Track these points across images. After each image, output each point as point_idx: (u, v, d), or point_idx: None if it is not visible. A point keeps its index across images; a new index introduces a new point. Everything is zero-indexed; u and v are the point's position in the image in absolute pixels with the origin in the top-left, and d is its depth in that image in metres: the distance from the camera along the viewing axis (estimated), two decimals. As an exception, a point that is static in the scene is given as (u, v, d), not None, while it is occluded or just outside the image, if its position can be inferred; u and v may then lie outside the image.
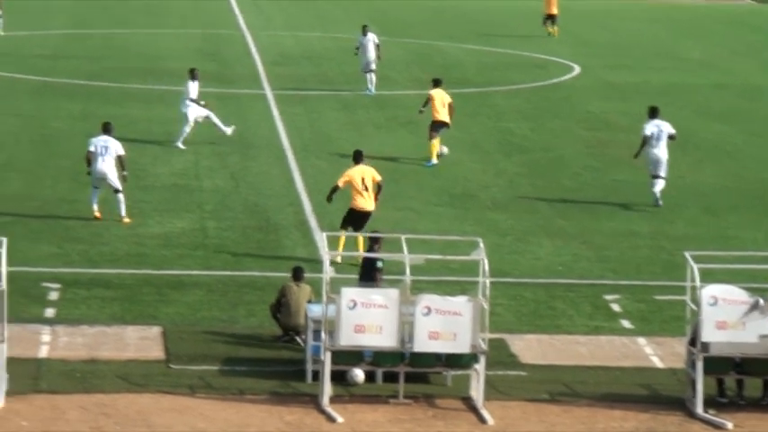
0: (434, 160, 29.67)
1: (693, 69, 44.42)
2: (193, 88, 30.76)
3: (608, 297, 21.01)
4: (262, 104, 36.34)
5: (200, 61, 43.20)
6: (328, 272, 17.12)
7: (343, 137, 32.45)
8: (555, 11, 52.24)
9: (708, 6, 66.83)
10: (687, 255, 17.25)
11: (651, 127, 26.71)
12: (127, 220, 24.11)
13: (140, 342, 18.36)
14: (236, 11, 56.79)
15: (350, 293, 16.86)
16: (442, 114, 29.69)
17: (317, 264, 21.34)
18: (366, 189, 22.34)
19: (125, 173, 24.29)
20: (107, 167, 24.06)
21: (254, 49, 46.17)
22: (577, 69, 44.01)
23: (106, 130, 24.60)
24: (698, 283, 16.88)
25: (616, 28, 55.60)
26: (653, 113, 27.01)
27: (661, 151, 26.60)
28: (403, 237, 18.39)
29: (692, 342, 16.98)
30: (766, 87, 41.73)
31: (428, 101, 29.98)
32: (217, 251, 22.80)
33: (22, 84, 37.81)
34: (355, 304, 16.80)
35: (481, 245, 17.48)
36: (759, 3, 68.04)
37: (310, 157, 30.01)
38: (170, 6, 57.64)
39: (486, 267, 17.09)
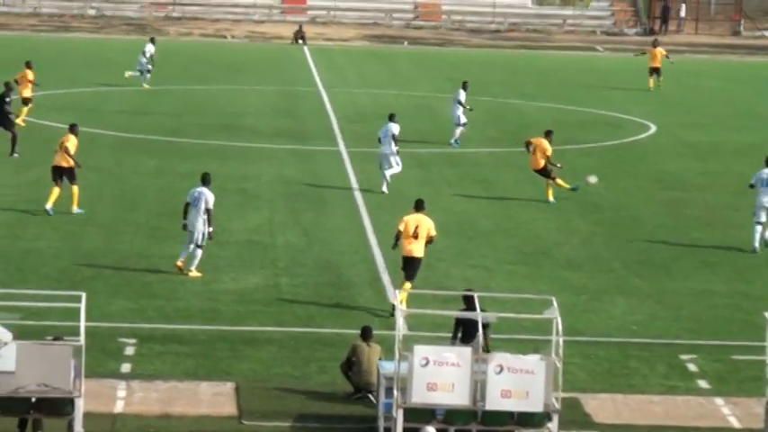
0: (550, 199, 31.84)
1: (771, 128, 44.06)
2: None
3: (684, 357, 20.77)
4: (336, 161, 36.54)
5: (276, 118, 43.69)
6: (401, 329, 17.11)
7: (417, 193, 32.39)
8: (658, 64, 53.11)
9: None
10: (767, 315, 17.03)
11: (763, 174, 27.55)
12: (195, 273, 24.21)
13: (213, 398, 18.41)
14: (313, 68, 57.27)
15: (423, 351, 16.81)
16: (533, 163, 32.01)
17: (386, 319, 21.40)
18: (416, 237, 22.49)
19: (210, 229, 24.28)
20: (196, 219, 24.20)
21: (329, 106, 46.51)
22: (653, 128, 43.81)
23: (204, 181, 24.70)
24: (776, 343, 16.65)
25: (694, 86, 55.33)
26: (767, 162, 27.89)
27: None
28: (476, 295, 18.36)
29: (771, 404, 16.73)
30: None
31: (530, 145, 32.31)
32: (289, 307, 22.86)
33: (103, 139, 38.32)
34: (428, 362, 16.75)
35: (554, 303, 17.39)
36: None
37: (384, 213, 30.06)
38: (249, 64, 58.28)
39: (560, 326, 16.98)
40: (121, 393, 18.42)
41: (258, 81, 52.74)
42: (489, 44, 70.94)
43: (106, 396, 18.17)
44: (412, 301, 22.37)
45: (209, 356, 20.13)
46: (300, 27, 69.12)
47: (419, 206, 23.07)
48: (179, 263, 24.37)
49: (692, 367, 20.37)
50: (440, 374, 16.73)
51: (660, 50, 54.16)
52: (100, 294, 22.44)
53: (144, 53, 49.90)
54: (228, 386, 18.82)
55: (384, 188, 32.32)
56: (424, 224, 22.63)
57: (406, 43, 70.03)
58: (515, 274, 25.46)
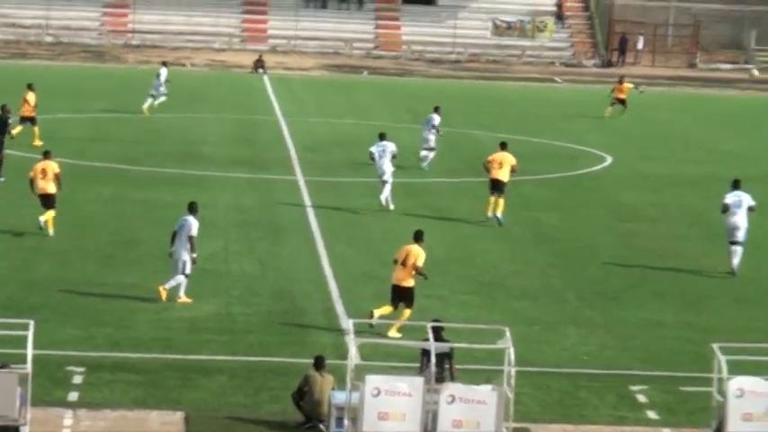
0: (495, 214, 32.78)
1: (726, 161, 44.38)
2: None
3: (634, 387, 20.87)
4: (293, 190, 36.56)
5: (234, 146, 43.66)
6: (353, 359, 17.11)
7: (372, 223, 32.57)
8: (623, 95, 54.86)
9: (742, 98, 66.97)
10: (715, 346, 17.17)
11: (732, 197, 28.58)
12: (184, 300, 24.34)
13: (162, 427, 18.33)
14: (273, 97, 57.33)
15: (374, 381, 16.83)
16: (497, 173, 32.96)
17: (339, 348, 21.39)
18: (404, 266, 23.07)
19: (194, 255, 24.48)
20: (180, 247, 24.41)
21: (287, 135, 46.56)
22: (609, 159, 44.09)
23: (190, 209, 24.95)
24: (725, 374, 16.78)
25: (650, 118, 55.73)
26: (735, 185, 28.92)
27: (740, 219, 28.43)
28: (429, 325, 18.40)
29: (717, 435, 16.84)
30: (799, 179, 41.66)
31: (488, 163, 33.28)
32: (242, 336, 22.82)
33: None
34: (379, 392, 16.78)
35: (507, 333, 17.47)
36: (793, 95, 68.18)
37: (339, 243, 30.10)
38: (208, 92, 58.26)
39: (512, 356, 17.04)
40: (68, 422, 18.30)
41: (217, 109, 52.74)
42: (449, 74, 71.26)
43: (52, 424, 18.05)
44: (364, 330, 22.38)
45: (160, 385, 20.05)
46: (260, 56, 69.20)
47: (417, 237, 23.58)
48: (162, 292, 24.36)
49: (641, 398, 20.47)
50: (391, 404, 16.77)
51: (628, 86, 55.59)
52: (49, 322, 22.30)
53: (158, 77, 50.25)
54: (178, 415, 18.75)
55: (388, 204, 33.92)
56: (412, 254, 23.13)
57: (365, 73, 70.24)
58: (469, 304, 25.53)
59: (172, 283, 24.48)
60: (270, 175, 38.57)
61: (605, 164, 43.40)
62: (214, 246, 29.25)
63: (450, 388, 16.94)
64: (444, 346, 18.72)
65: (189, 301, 24.41)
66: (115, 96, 51.46)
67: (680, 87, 69.97)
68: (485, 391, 16.91)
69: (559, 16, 79.42)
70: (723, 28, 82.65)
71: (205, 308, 24.30)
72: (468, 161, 42.31)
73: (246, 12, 78.93)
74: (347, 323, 21.91)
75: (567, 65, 77.55)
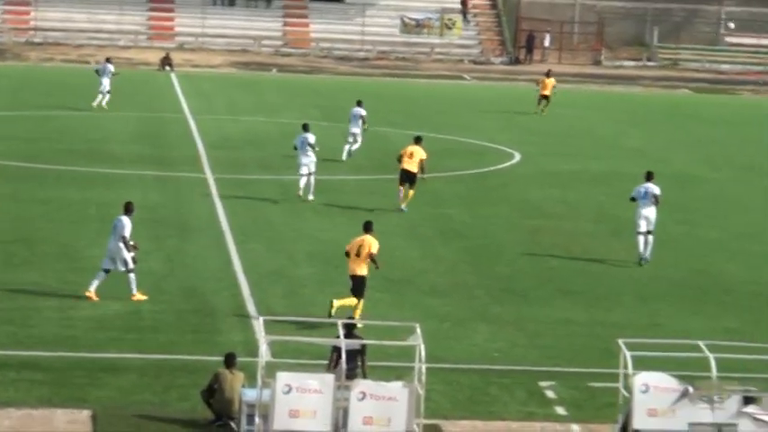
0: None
1: (631, 158, 44.89)
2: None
3: (543, 383, 21.04)
4: (202, 188, 36.33)
5: (141, 144, 43.27)
6: (264, 356, 17.07)
7: (282, 221, 32.48)
8: (548, 92, 55.65)
9: (646, 95, 67.83)
10: (621, 342, 17.36)
11: (641, 189, 29.80)
12: (139, 297, 24.31)
13: (69, 426, 18.13)
14: (180, 95, 56.92)
15: (285, 378, 16.81)
16: (406, 164, 33.90)
17: (249, 346, 21.30)
18: (358, 256, 23.88)
19: (132, 254, 24.51)
20: (113, 246, 24.45)
21: (195, 133, 46.25)
22: (518, 156, 44.42)
23: (125, 209, 25.00)
24: (631, 370, 16.98)
25: (557, 115, 56.23)
26: (648, 177, 30.06)
27: (648, 210, 29.52)
28: (339, 322, 18.40)
29: (624, 429, 17.03)
30: (700, 177, 42.31)
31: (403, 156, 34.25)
32: (151, 334, 22.64)
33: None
34: (290, 389, 16.76)
35: (418, 330, 17.53)
36: (695, 92, 69.17)
37: (249, 240, 29.97)
38: (113, 90, 57.57)
39: (423, 353, 17.10)
40: (-28, 421, 18.07)
41: (123, 107, 52.21)
42: (358, 72, 71.29)
43: (-43, 425, 17.81)
44: (275, 327, 22.29)
45: (65, 383, 19.83)
46: (167, 54, 68.67)
47: (367, 227, 24.40)
48: (89, 293, 24.25)
49: (550, 394, 20.65)
50: (302, 401, 16.76)
51: (552, 81, 56.33)
52: (-49, 322, 21.98)
53: (104, 73, 50.65)
54: (84, 413, 18.55)
55: (307, 195, 34.69)
56: (366, 244, 23.92)
57: (274, 70, 70.03)
58: (380, 301, 25.55)
59: (95, 283, 24.41)
60: (178, 173, 38.29)
61: (513, 161, 43.71)
62: (122, 244, 28.94)
63: (361, 385, 16.97)
64: (356, 343, 18.74)
65: (144, 297, 24.39)
66: (17, 94, 50.68)
67: (586, 85, 70.68)
68: (395, 387, 16.97)
69: (464, 13, 79.80)
70: (627, 25, 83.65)
71: (112, 306, 24.07)
72: (377, 159, 42.36)
73: (152, 9, 78.28)
74: (258, 321, 21.83)
75: (475, 62, 77.97)
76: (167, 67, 66.61)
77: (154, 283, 25.85)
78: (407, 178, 34.02)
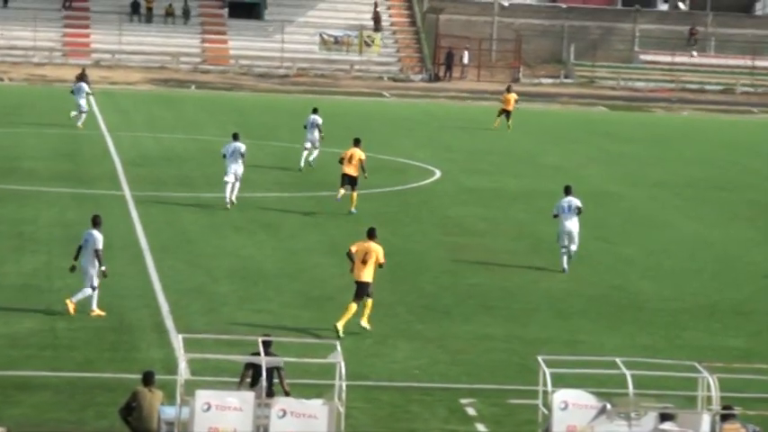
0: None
1: (549, 175, 45.24)
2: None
3: (463, 401, 21.07)
4: (120, 205, 36.01)
5: (56, 161, 42.82)
6: (183, 374, 16.93)
7: (202, 238, 32.29)
8: (510, 107, 57.57)
9: (564, 112, 68.44)
10: (540, 359, 17.44)
11: (563, 203, 30.55)
12: (98, 312, 24.33)
13: (-16, 446, 17.84)
14: (97, 112, 56.41)
15: (205, 396, 16.68)
16: (347, 168, 35.83)
17: (168, 364, 21.12)
18: (364, 263, 24.61)
19: (103, 268, 24.57)
20: (85, 261, 24.52)
21: (113, 150, 45.87)
22: (438, 173, 44.57)
23: (93, 223, 25.02)
24: (549, 387, 17.05)
25: (476, 132, 56.56)
26: (567, 191, 30.87)
27: (571, 223, 30.32)
28: (260, 339, 18.30)
29: (544, 445, 17.10)
30: (616, 194, 42.74)
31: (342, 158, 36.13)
32: (67, 352, 22.37)
33: None
34: (210, 407, 16.63)
35: (338, 348, 17.48)
36: (610, 109, 69.93)
37: (168, 257, 29.75)
38: (28, 107, 57.06)
39: (343, 370, 17.06)
40: None
41: (38, 124, 51.66)
42: (278, 89, 71.20)
43: None
44: (195, 345, 22.11)
45: (-21, 403, 19.54)
46: (83, 70, 67.95)
47: (371, 234, 25.10)
48: (70, 307, 24.31)
49: (470, 411, 20.68)
50: (222, 419, 16.63)
51: (513, 96, 58.16)
52: None
53: (80, 92, 51.16)
54: (0, 433, 18.29)
55: (230, 199, 35.78)
56: (372, 252, 24.70)
57: (193, 87, 69.71)
58: (300, 318, 25.48)
59: (79, 296, 24.56)
60: (95, 190, 37.94)
61: (434, 178, 43.86)
62: (36, 261, 28.66)
63: (282, 402, 16.87)
64: (276, 361, 18.64)
65: (102, 313, 24.41)
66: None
67: (505, 103, 71.04)
68: (316, 405, 16.89)
69: (376, 29, 79.91)
70: (544, 42, 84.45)
71: (26, 323, 23.77)
72: (297, 176, 42.31)
73: (67, 25, 77.62)
74: (177, 338, 21.66)
75: (395, 79, 78.23)
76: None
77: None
78: (349, 181, 35.94)
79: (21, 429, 18.35)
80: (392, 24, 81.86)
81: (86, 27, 77.77)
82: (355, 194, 35.84)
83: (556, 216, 30.60)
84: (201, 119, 56.70)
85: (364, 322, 24.54)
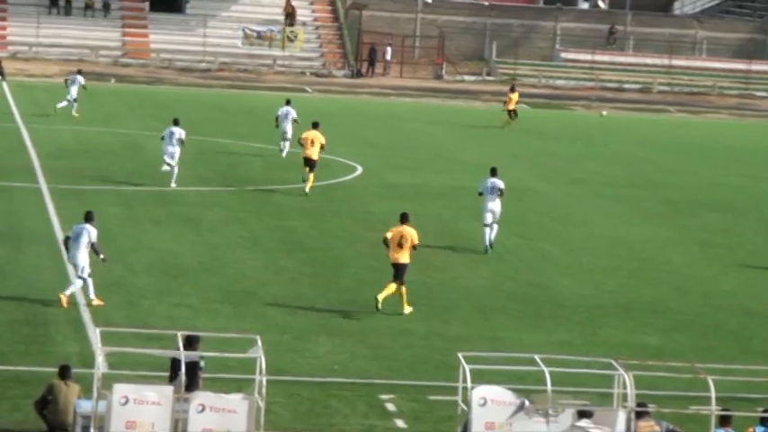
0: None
1: (470, 171, 45.26)
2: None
3: (383, 396, 21.03)
4: (35, 198, 35.53)
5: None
6: (100, 367, 16.74)
7: (121, 232, 31.96)
8: (514, 106, 59.35)
9: (486, 110, 68.69)
10: (460, 355, 17.44)
11: (487, 183, 32.28)
12: (98, 302, 24.48)
13: None
14: (12, 104, 55.68)
15: (122, 389, 16.51)
16: (308, 150, 37.54)
17: (86, 357, 20.87)
18: (400, 246, 25.93)
19: (102, 256, 25.07)
20: (77, 254, 24.56)
21: (29, 143, 45.26)
22: (360, 169, 44.52)
23: (87, 218, 25.13)
24: (469, 383, 17.06)
25: (399, 128, 56.58)
26: (492, 173, 32.65)
27: (493, 203, 32.03)
28: (179, 333, 18.13)
29: (464, 441, 17.10)
30: (536, 190, 42.96)
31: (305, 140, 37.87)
32: (-19, 346, 22.03)
33: None
34: (127, 400, 16.46)
35: (259, 342, 17.36)
36: (531, 107, 70.29)
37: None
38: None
39: (263, 365, 16.94)
40: None
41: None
42: (199, 83, 70.75)
43: None
44: (113, 338, 21.87)
45: None
46: None
47: (403, 219, 26.45)
48: (63, 300, 24.33)
49: (390, 407, 20.64)
50: (139, 413, 16.47)
51: (515, 95, 59.99)
52: None
53: (72, 83, 52.72)
54: None
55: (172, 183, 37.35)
56: (407, 234, 26.03)
57: (113, 80, 69.03)
58: (220, 312, 25.31)
59: (71, 289, 24.63)
60: (10, 183, 37.40)
61: (356, 173, 43.79)
62: (-50, 254, 28.21)
63: (201, 397, 16.74)
64: (195, 355, 18.46)
65: (101, 303, 24.52)
66: None
67: (426, 99, 71.30)
68: (235, 399, 16.78)
69: (290, 24, 79.59)
70: (467, 40, 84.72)
71: (-63, 317, 23.38)
72: (218, 170, 42.06)
73: (-17, 17, 76.58)
74: (94, 332, 21.42)
75: (317, 75, 78.05)
76: (-1, 76, 65.14)
77: (-15, 294, 25.19)
78: (308, 163, 37.60)
79: (-69, 424, 18.05)
80: (315, 20, 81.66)
81: (3, 19, 76.70)
82: (312, 177, 37.43)
83: (481, 194, 32.41)
84: (121, 113, 56.16)
85: (407, 308, 25.82)
